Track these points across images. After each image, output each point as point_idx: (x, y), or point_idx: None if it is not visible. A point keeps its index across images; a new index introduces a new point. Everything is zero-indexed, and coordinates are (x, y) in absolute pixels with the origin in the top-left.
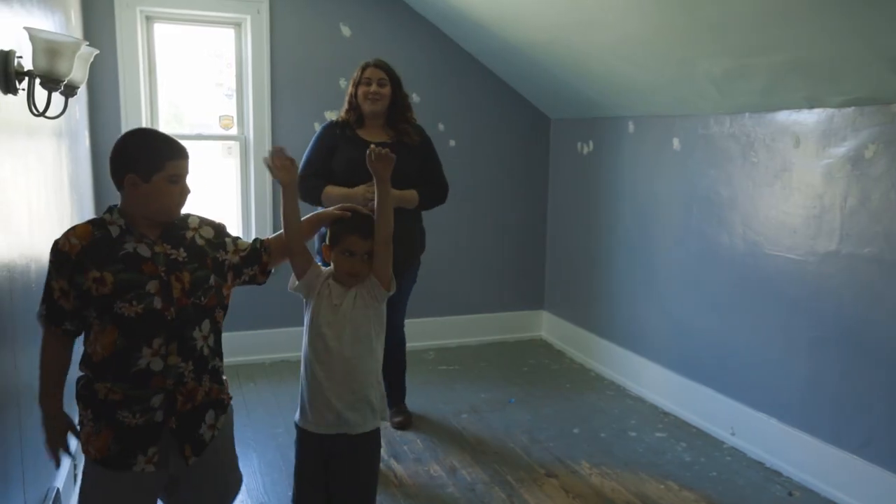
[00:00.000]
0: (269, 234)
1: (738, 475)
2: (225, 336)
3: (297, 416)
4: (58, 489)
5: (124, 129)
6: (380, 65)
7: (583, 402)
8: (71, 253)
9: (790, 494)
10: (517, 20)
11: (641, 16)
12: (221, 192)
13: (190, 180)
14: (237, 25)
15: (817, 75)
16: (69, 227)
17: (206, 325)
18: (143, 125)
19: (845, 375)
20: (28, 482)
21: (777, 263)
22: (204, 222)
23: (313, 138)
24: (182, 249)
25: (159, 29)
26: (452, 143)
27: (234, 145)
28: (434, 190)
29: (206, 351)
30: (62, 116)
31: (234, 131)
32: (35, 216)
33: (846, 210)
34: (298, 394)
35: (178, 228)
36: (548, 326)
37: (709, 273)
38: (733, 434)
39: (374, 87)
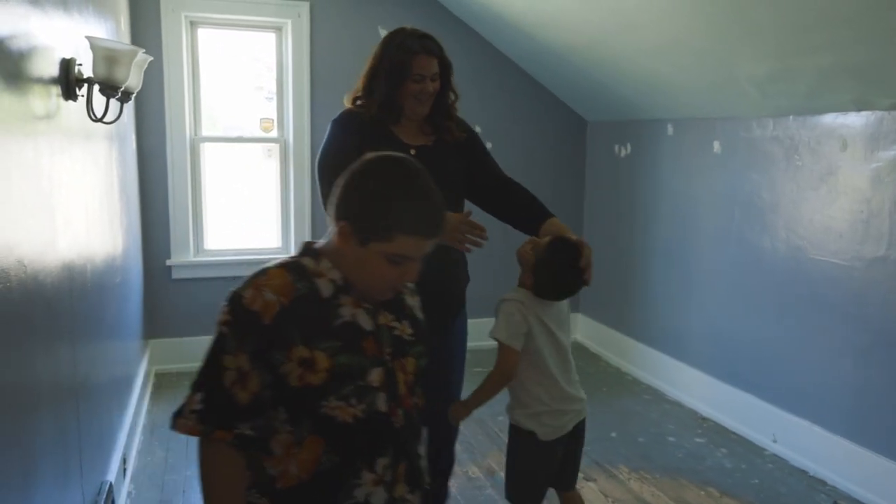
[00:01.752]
0: (307, 233)
1: (781, 483)
2: None
3: None
4: (110, 483)
5: (168, 131)
6: (434, 52)
7: (620, 406)
8: (264, 315)
9: (835, 503)
10: (557, 24)
11: (683, 18)
12: (261, 193)
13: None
14: (278, 30)
15: (866, 77)
16: (126, 234)
17: (423, 434)
18: (187, 128)
19: (893, 383)
20: (85, 475)
21: (822, 268)
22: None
23: (334, 132)
24: (406, 322)
25: (203, 33)
26: (489, 145)
27: (275, 147)
28: (527, 194)
29: (426, 474)
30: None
31: (274, 134)
32: (91, 218)
33: (895, 215)
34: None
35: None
36: (584, 329)
37: (750, 277)
38: (775, 441)
39: (428, 86)
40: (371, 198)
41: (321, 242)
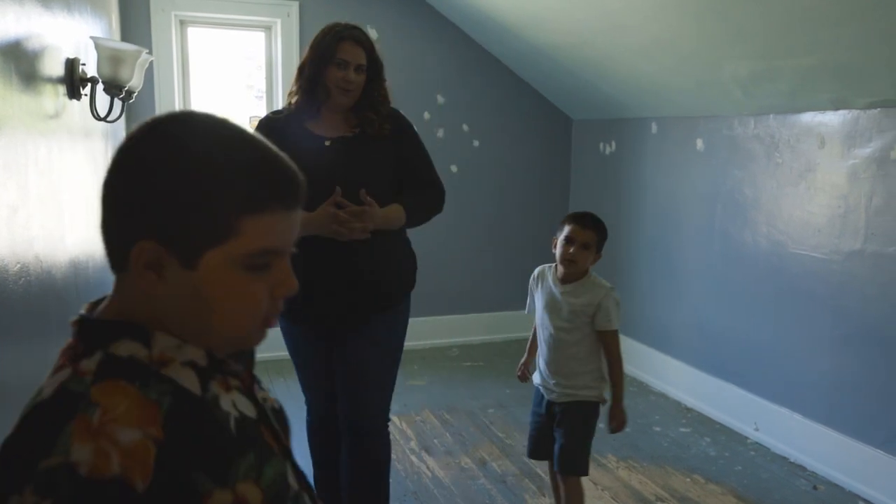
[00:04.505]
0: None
1: (763, 469)
2: None
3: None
4: None
5: None
6: (361, 41)
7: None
8: (135, 475)
9: (815, 488)
10: (544, 24)
11: (671, 19)
12: None
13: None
14: (267, 29)
15: (844, 77)
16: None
17: None
18: None
19: (869, 372)
20: None
21: (801, 262)
22: None
23: None
24: (258, 384)
25: (192, 32)
26: (476, 143)
27: None
28: (424, 195)
29: None
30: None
31: None
32: (91, 215)
33: (871, 210)
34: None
35: None
36: None
37: (732, 271)
38: (757, 429)
39: (351, 74)
40: (177, 179)
41: (112, 305)
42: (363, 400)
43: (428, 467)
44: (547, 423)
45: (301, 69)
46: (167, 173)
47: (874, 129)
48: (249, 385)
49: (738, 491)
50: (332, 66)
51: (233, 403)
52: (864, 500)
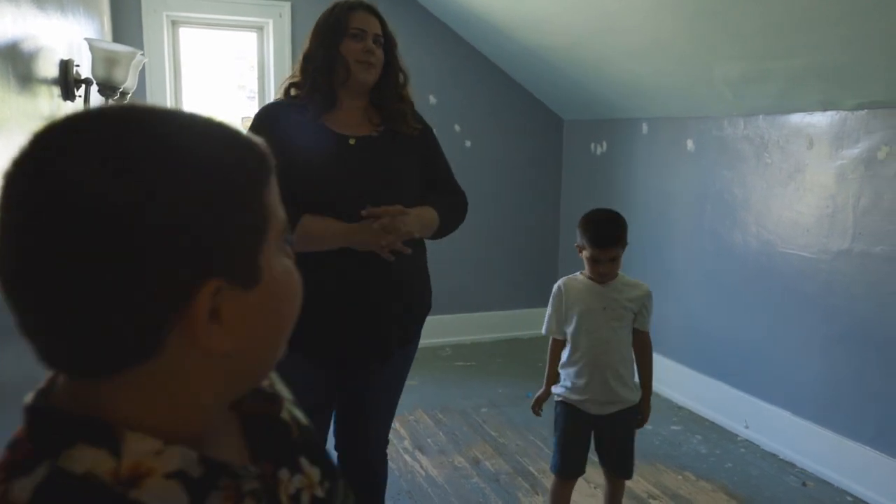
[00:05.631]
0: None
1: (753, 466)
2: None
3: None
4: None
5: None
6: (374, 11)
7: None
8: None
9: (804, 485)
10: (535, 25)
11: (660, 21)
12: None
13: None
14: (259, 29)
15: (833, 79)
16: None
17: None
18: None
19: (858, 369)
20: None
21: (790, 261)
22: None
23: (254, 131)
24: (306, 459)
25: (184, 33)
26: (468, 143)
27: None
28: (451, 202)
29: None
30: None
31: None
32: None
33: (859, 210)
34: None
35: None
36: None
37: (722, 270)
38: (747, 427)
39: (370, 44)
40: (186, 184)
41: (74, 386)
42: (367, 437)
43: (421, 466)
44: (587, 437)
45: (307, 57)
46: (174, 181)
47: (862, 129)
48: (273, 479)
49: (729, 488)
50: (347, 39)
51: None
52: (853, 496)
